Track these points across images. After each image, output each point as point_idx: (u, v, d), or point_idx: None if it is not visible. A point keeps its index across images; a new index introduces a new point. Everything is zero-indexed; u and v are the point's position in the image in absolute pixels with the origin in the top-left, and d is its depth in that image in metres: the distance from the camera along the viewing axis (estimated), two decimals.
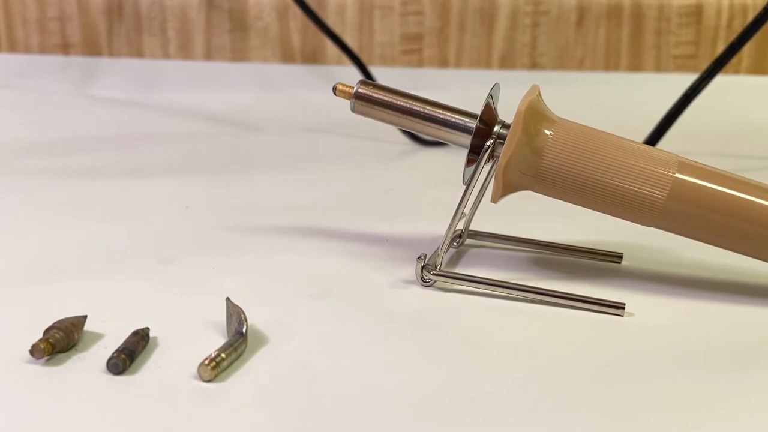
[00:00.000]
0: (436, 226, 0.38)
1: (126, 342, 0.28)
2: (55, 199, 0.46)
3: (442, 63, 0.76)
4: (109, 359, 0.27)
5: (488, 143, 0.35)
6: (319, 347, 0.29)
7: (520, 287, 0.34)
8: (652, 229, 0.35)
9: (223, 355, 0.27)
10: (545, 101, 0.35)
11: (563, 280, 0.36)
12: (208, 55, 0.78)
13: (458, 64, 0.76)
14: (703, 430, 0.25)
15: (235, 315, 0.29)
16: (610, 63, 0.75)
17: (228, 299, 0.30)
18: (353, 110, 0.37)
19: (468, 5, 0.75)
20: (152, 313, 0.31)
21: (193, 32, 0.77)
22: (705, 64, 0.55)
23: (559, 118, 0.35)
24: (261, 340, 0.29)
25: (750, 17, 0.56)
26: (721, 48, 0.65)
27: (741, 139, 0.64)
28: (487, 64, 0.76)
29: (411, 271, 0.35)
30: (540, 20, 0.75)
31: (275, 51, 0.77)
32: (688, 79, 0.55)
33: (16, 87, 0.76)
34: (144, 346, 0.28)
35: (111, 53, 0.79)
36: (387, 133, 0.60)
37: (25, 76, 0.78)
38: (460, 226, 0.39)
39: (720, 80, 0.54)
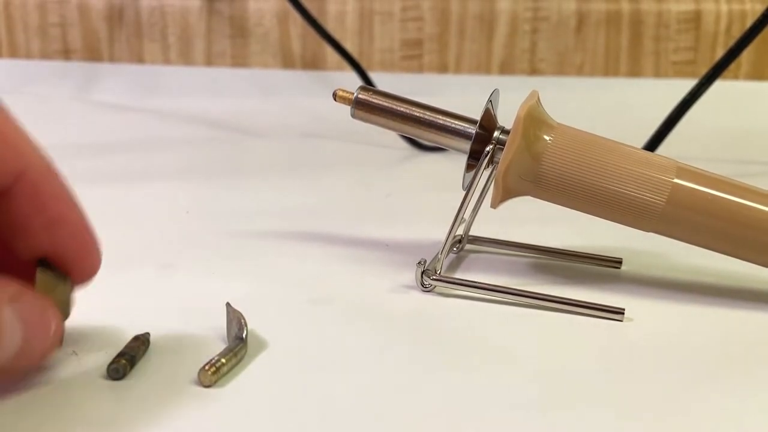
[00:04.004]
0: (435, 231, 0.38)
1: (126, 347, 0.28)
2: None
3: (442, 69, 0.76)
4: (110, 364, 0.27)
5: (488, 149, 0.35)
6: (319, 352, 0.29)
7: (519, 292, 0.34)
8: (651, 234, 0.35)
9: (223, 360, 0.27)
10: (545, 107, 0.35)
11: (562, 285, 0.36)
12: (209, 61, 0.78)
13: (458, 70, 0.76)
14: None
15: (235, 320, 0.29)
16: (610, 69, 0.75)
17: (228, 304, 0.31)
18: (353, 116, 0.37)
19: (468, 11, 0.75)
20: (152, 318, 0.31)
21: (193, 38, 0.77)
22: (704, 70, 0.55)
23: (558, 123, 0.35)
24: (261, 345, 0.30)
25: (748, 23, 0.56)
26: (719, 54, 0.65)
27: (740, 144, 0.64)
28: (486, 70, 0.76)
29: (411, 276, 0.35)
30: (539, 26, 0.75)
31: (276, 57, 0.77)
32: (687, 84, 0.55)
33: (17, 92, 0.76)
34: (144, 351, 0.28)
35: (112, 59, 0.79)
36: (387, 139, 0.61)
37: (26, 82, 0.78)
38: (460, 231, 0.39)
39: (719, 86, 0.55)
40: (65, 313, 0.27)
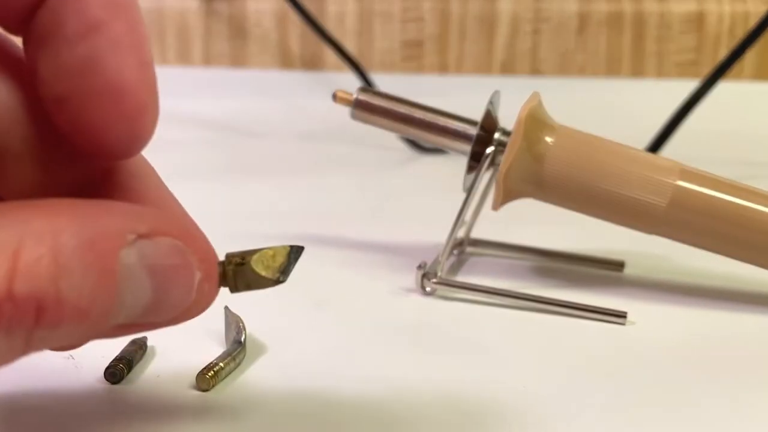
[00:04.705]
0: (436, 233, 0.38)
1: (124, 351, 0.28)
2: None
3: (443, 69, 0.76)
4: (107, 368, 0.27)
5: (489, 150, 0.34)
6: (318, 356, 0.29)
7: (521, 296, 0.33)
8: (653, 236, 0.35)
9: (221, 364, 0.27)
10: (546, 108, 0.35)
11: (564, 288, 0.36)
12: (208, 62, 0.78)
13: (458, 71, 0.76)
14: None
15: (233, 324, 0.29)
16: (612, 69, 0.75)
17: (226, 308, 0.30)
18: (353, 117, 0.36)
19: (468, 12, 0.75)
20: None
21: (192, 39, 0.77)
22: (707, 71, 0.55)
23: (560, 125, 0.35)
24: (260, 350, 0.29)
25: (751, 24, 0.56)
26: (722, 54, 0.64)
27: (743, 145, 0.64)
28: (487, 71, 0.76)
29: (411, 279, 0.35)
30: (541, 27, 0.75)
31: (275, 57, 0.77)
32: (690, 85, 0.55)
33: None
34: (142, 356, 0.28)
35: None
36: (387, 140, 0.60)
37: None
38: (461, 233, 0.38)
39: (722, 87, 0.54)
40: (263, 279, 0.21)
